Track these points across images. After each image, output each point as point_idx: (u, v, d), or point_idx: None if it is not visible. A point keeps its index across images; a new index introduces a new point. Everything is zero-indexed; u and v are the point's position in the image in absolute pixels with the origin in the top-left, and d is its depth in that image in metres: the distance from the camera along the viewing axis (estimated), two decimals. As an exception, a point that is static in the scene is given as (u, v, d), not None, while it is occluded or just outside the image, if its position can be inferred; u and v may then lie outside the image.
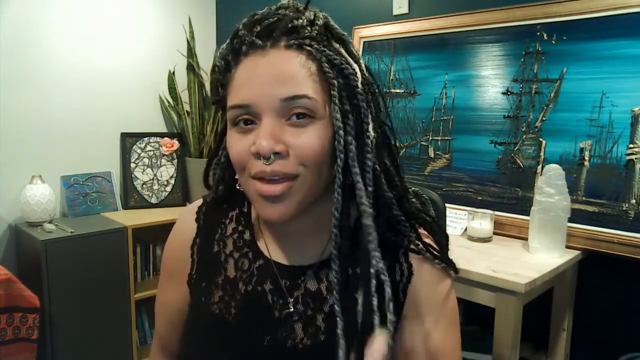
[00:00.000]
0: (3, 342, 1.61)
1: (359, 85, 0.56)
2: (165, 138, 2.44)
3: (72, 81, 2.20)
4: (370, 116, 0.57)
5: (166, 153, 2.43)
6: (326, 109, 0.55)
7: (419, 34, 1.85)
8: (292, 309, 0.63)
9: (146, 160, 2.41)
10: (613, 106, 1.38)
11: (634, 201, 1.33)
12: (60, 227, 1.96)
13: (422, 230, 0.65)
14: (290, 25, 0.56)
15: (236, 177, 0.61)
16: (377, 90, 0.62)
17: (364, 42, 2.02)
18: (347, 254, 0.55)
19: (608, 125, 1.39)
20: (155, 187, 2.41)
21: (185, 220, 0.73)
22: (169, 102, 2.49)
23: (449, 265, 0.63)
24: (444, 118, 1.77)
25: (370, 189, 0.55)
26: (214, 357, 0.65)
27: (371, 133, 0.56)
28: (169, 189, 2.43)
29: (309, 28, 0.56)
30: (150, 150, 2.42)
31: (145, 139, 2.42)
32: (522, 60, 1.58)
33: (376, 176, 0.57)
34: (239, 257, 0.67)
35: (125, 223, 2.05)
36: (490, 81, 1.66)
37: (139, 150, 2.40)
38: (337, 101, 0.54)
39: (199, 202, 0.74)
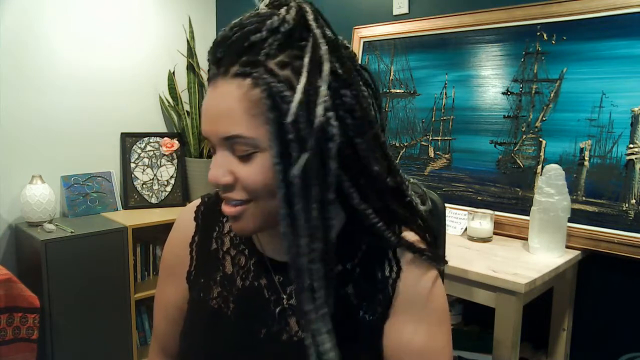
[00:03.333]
0: (3, 342, 1.62)
1: (297, 113, 0.51)
2: (165, 138, 2.44)
3: (72, 81, 2.20)
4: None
5: (166, 153, 2.43)
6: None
7: (419, 34, 1.85)
8: (286, 304, 0.65)
9: (146, 160, 2.41)
10: (613, 106, 1.38)
11: (634, 201, 1.33)
12: (60, 227, 1.96)
13: (411, 229, 0.65)
14: (245, 44, 0.54)
15: None
16: (353, 94, 0.56)
17: (364, 42, 2.02)
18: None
19: (608, 125, 1.39)
20: (155, 187, 2.41)
21: (184, 219, 0.76)
22: (169, 102, 2.49)
23: (437, 262, 0.64)
24: (444, 118, 1.77)
25: (314, 216, 0.52)
26: (213, 350, 0.67)
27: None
28: (169, 189, 2.43)
29: (269, 40, 0.53)
30: (150, 150, 2.42)
31: (145, 139, 2.42)
32: (522, 60, 1.58)
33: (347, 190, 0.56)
34: (235, 254, 0.70)
35: (125, 223, 2.05)
36: (490, 81, 1.65)
37: (139, 150, 2.40)
38: (272, 137, 0.52)
39: (197, 201, 0.76)
